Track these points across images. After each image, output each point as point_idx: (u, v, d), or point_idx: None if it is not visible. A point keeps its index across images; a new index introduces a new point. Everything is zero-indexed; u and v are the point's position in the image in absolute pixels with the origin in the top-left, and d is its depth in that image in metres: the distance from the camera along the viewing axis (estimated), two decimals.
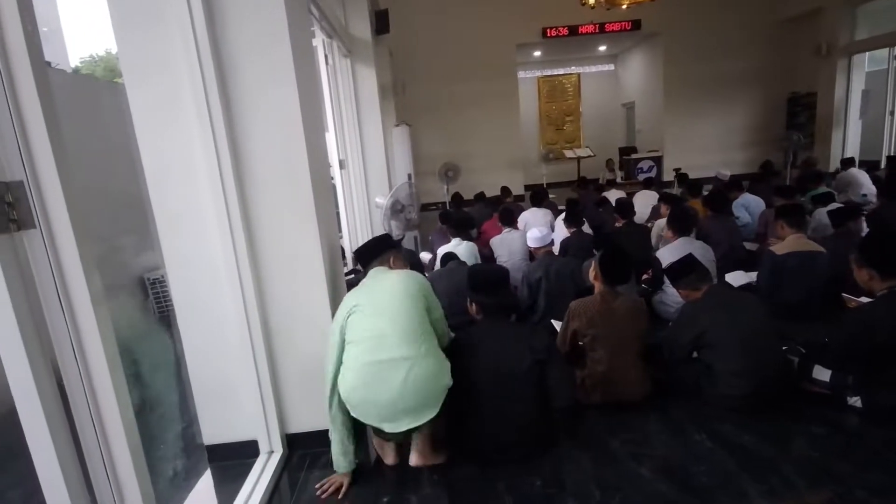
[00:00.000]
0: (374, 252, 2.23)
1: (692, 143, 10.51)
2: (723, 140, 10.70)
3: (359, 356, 1.87)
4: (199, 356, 2.17)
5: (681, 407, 2.33)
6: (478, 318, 2.20)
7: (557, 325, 2.75)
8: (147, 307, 4.62)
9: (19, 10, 0.96)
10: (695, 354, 2.38)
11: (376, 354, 1.84)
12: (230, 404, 2.18)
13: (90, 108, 4.30)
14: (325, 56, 4.41)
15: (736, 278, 3.58)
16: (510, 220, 4.41)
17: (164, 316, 4.57)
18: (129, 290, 4.47)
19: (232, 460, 2.20)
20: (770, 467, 1.89)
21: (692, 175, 7.21)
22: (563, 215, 4.55)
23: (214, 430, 2.24)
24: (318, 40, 4.24)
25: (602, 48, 12.14)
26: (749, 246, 4.34)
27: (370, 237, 2.30)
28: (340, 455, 1.97)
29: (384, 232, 2.39)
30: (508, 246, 4.21)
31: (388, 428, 1.87)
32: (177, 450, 2.45)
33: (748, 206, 5.02)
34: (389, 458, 2.09)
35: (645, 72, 11.64)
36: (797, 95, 10.18)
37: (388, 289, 2.00)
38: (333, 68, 4.67)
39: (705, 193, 5.09)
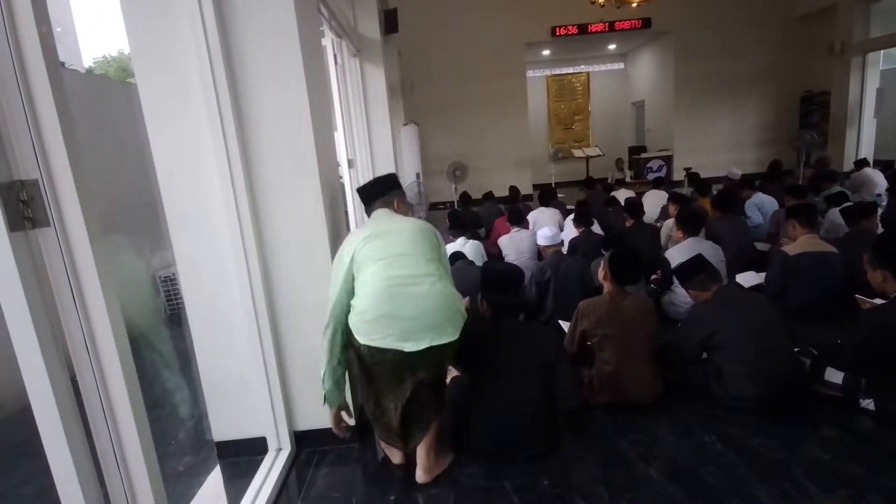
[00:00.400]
0: (379, 190, 2.11)
1: (703, 143, 10.41)
2: (734, 139, 10.59)
3: (378, 272, 1.81)
4: (209, 354, 2.19)
5: (690, 408, 2.32)
6: (487, 316, 2.19)
7: (565, 325, 2.74)
8: (158, 305, 4.67)
9: (34, 11, 0.97)
10: (704, 355, 2.36)
11: (397, 270, 1.81)
12: (239, 402, 2.20)
13: (103, 108, 4.35)
14: (335, 56, 4.42)
15: (747, 279, 3.55)
16: (519, 220, 4.41)
17: (175, 314, 4.61)
18: (140, 288, 4.52)
19: (241, 457, 2.22)
20: (781, 470, 1.87)
21: (703, 174, 7.14)
22: (572, 215, 4.54)
23: (224, 426, 2.26)
24: (328, 40, 4.24)
25: (612, 47, 12.06)
26: (760, 246, 4.29)
27: None
28: (334, 387, 1.90)
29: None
30: (517, 245, 4.21)
31: (410, 347, 1.77)
32: (187, 446, 2.47)
33: (761, 206, 4.96)
34: (396, 458, 2.09)
35: (655, 70, 11.55)
36: (810, 94, 10.04)
37: (396, 227, 1.95)
38: (342, 68, 4.68)
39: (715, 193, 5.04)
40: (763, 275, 3.42)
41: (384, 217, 2.04)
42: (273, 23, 1.92)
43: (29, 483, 2.20)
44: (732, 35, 10.06)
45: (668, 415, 2.30)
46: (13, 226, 0.94)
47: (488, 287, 2.13)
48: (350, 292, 1.87)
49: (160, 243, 4.48)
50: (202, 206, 2.03)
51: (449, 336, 1.82)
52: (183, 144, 1.99)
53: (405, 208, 2.15)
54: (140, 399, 1.13)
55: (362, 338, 1.81)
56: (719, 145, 10.44)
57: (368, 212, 2.12)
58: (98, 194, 1.06)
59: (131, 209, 4.16)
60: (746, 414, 2.18)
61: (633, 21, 9.91)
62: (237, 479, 2.10)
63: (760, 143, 10.62)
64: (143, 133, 2.01)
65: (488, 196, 6.86)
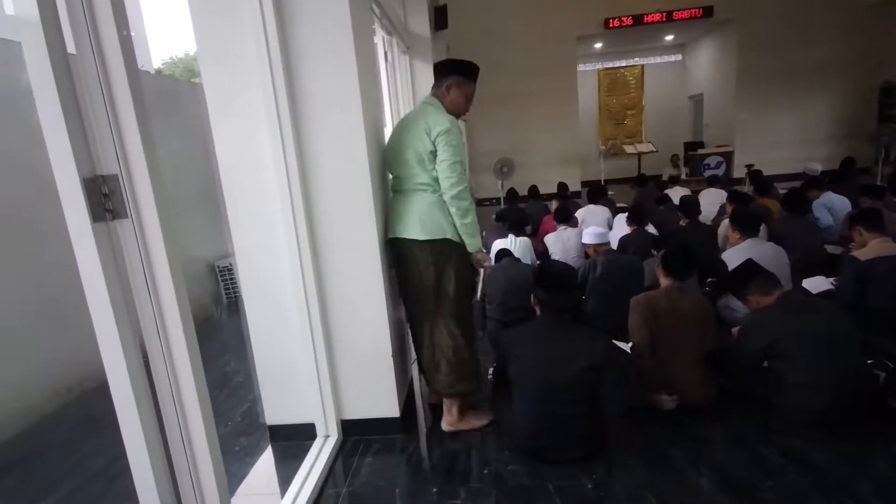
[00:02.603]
0: (442, 70, 2.24)
1: (767, 138, 9.82)
2: (802, 134, 9.92)
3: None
4: (264, 342, 2.29)
5: (747, 418, 2.20)
6: (537, 312, 2.16)
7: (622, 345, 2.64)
8: (218, 293, 4.93)
9: (114, 17, 1.05)
10: (765, 364, 2.23)
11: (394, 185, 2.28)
12: (291, 388, 2.30)
13: (171, 106, 4.63)
14: (385, 53, 4.49)
15: (816, 284, 3.31)
16: (566, 218, 4.33)
17: (233, 301, 4.87)
18: (200, 276, 4.79)
19: (291, 441, 2.32)
20: (846, 488, 1.75)
21: (766, 172, 6.73)
22: (624, 213, 4.41)
23: (276, 411, 2.36)
24: (379, 37, 4.32)
25: (669, 38, 11.57)
26: (831, 249, 3.99)
27: None
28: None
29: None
30: (563, 244, 4.14)
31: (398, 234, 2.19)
32: (242, 427, 2.61)
33: (831, 206, 4.59)
34: (433, 398, 2.47)
35: (716, 61, 10.98)
36: (891, 85, 9.24)
37: (400, 138, 2.16)
38: (392, 65, 4.74)
39: (783, 192, 4.72)
40: (832, 279, 3.20)
41: (420, 107, 2.23)
42: (329, 25, 1.98)
43: (102, 453, 2.40)
44: (802, 23, 9.40)
45: (722, 423, 2.20)
46: (96, 217, 1.02)
47: (545, 287, 2.08)
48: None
49: (219, 234, 4.73)
50: (259, 199, 2.13)
51: (411, 233, 2.14)
52: (242, 141, 2.09)
53: (458, 95, 2.23)
54: (203, 379, 1.21)
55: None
56: (785, 141, 9.81)
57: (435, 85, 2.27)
58: (168, 188, 1.14)
59: (195, 201, 4.42)
60: (810, 427, 2.05)
61: (693, 10, 9.45)
62: (287, 462, 2.19)
63: (832, 139, 9.90)
64: (207, 130, 2.13)
65: (533, 191, 6.76)
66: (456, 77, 2.22)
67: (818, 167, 6.29)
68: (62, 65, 0.96)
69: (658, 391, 2.29)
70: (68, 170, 0.99)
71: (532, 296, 2.13)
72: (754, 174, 6.60)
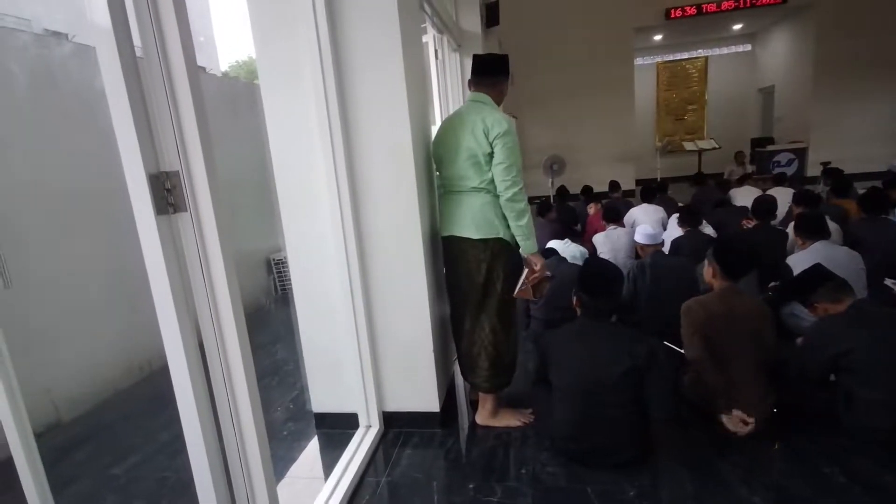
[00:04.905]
0: (488, 68, 2.25)
1: (847, 133, 9.02)
2: (887, 129, 9.03)
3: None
4: (312, 332, 2.39)
5: (808, 435, 2.06)
6: (578, 312, 2.11)
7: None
8: (270, 284, 5.18)
9: (177, 21, 1.12)
10: (832, 377, 2.08)
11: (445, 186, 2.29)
12: (336, 378, 2.38)
13: (235, 107, 4.90)
14: (436, 51, 4.52)
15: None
16: (615, 217, 4.20)
17: (285, 293, 5.09)
18: (257, 269, 5.04)
19: (335, 429, 2.41)
20: None
21: (845, 171, 6.19)
22: (677, 214, 4.20)
23: (322, 399, 2.46)
24: (429, 36, 4.35)
25: (737, 27, 10.88)
26: None
27: None
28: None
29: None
30: (612, 243, 4.01)
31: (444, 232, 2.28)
32: (290, 413, 2.73)
33: None
34: (474, 394, 2.47)
35: (790, 51, 10.21)
36: None
37: (453, 137, 2.15)
38: (443, 63, 4.76)
39: (862, 192, 4.32)
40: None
41: (469, 106, 2.22)
42: (378, 27, 2.02)
43: (167, 429, 2.59)
44: (886, 7, 8.53)
45: (780, 439, 2.06)
46: (159, 210, 1.11)
47: (585, 287, 2.02)
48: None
49: (275, 228, 4.95)
50: (309, 197, 2.21)
51: (466, 232, 2.17)
52: (295, 141, 2.18)
53: (503, 92, 2.28)
54: (251, 363, 1.28)
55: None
56: (866, 137, 8.97)
57: (473, 83, 2.27)
58: (226, 183, 1.21)
59: (252, 197, 4.65)
60: (880, 447, 1.89)
61: None
62: (331, 449, 2.28)
63: None
64: (264, 128, 2.24)
65: (586, 191, 6.59)
66: (502, 77, 2.29)
67: None
68: (132, 68, 1.04)
69: (726, 410, 2.13)
70: (136, 166, 1.08)
71: (574, 296, 2.08)
72: (830, 172, 6.10)
